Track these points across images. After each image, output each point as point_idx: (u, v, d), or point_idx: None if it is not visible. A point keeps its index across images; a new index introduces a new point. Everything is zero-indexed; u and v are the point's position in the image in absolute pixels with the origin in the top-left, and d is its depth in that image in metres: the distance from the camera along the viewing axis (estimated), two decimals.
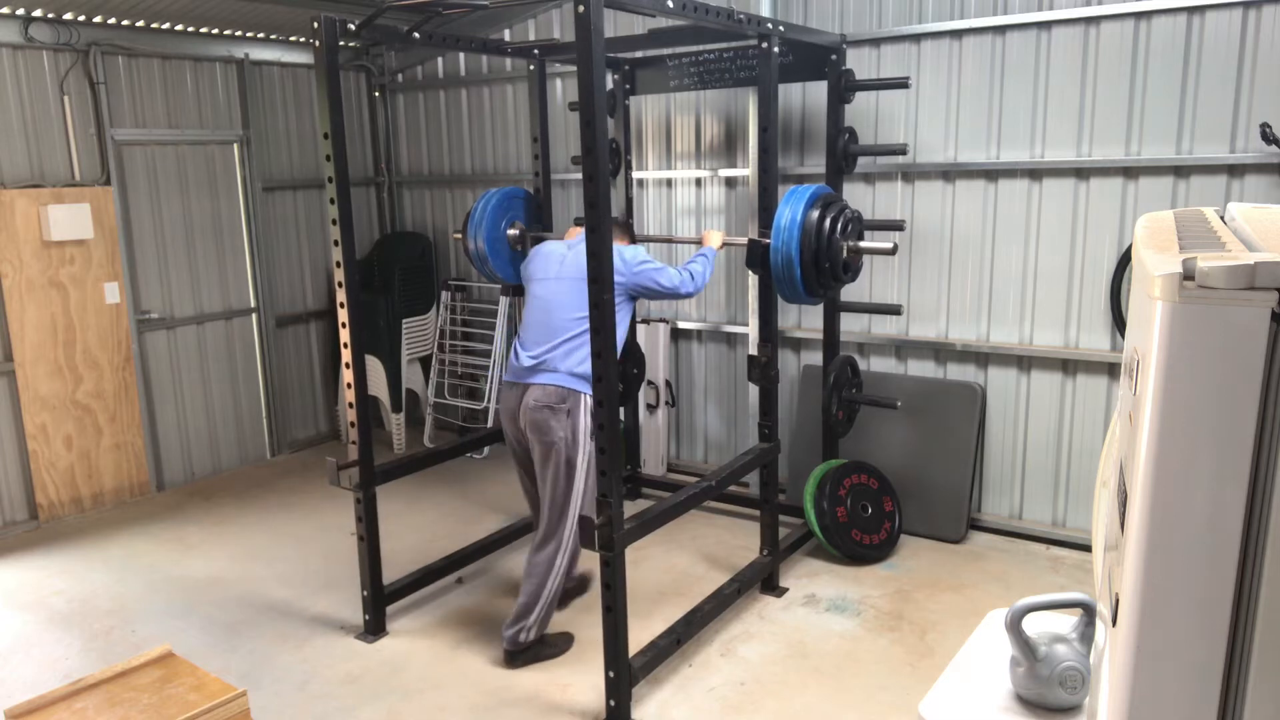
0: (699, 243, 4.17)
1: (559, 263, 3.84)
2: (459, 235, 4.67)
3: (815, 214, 3.77)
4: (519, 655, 3.78)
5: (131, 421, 5.76)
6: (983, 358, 4.88)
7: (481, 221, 4.56)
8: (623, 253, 3.70)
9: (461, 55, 6.62)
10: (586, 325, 3.38)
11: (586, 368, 3.53)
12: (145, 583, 4.66)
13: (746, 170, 5.34)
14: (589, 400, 3.60)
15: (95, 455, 5.62)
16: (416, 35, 3.88)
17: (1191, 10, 4.10)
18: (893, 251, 3.89)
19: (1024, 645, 1.94)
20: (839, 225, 3.81)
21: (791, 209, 3.78)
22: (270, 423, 6.61)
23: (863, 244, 3.92)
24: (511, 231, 4.64)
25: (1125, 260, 4.40)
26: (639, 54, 5.30)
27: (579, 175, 5.69)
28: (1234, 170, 4.13)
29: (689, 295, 3.84)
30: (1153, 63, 4.22)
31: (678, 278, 3.77)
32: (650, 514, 3.57)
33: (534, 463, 3.76)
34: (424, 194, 7.05)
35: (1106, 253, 4.46)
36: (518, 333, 3.90)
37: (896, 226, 4.59)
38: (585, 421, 3.62)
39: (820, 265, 3.79)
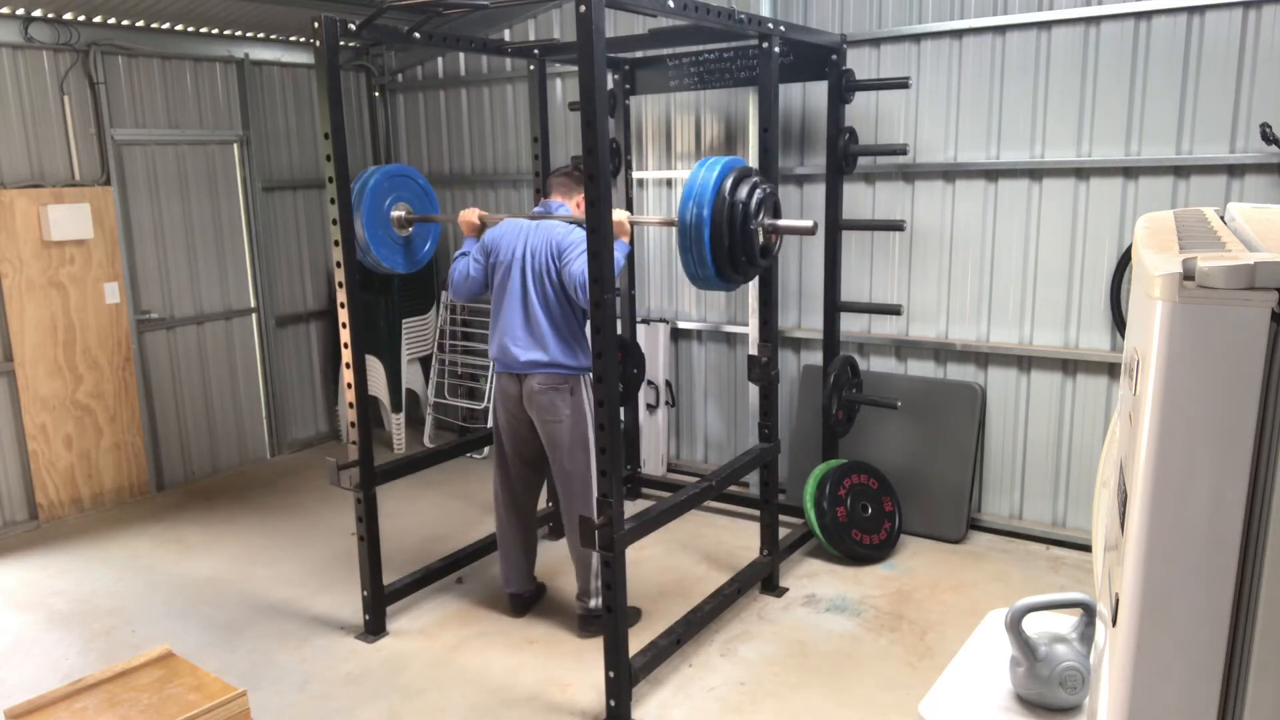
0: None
1: (524, 248, 3.81)
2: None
3: (729, 184, 3.38)
4: (594, 621, 3.86)
5: (131, 421, 5.76)
6: (983, 358, 4.87)
7: (359, 204, 3.98)
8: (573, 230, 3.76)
9: (461, 55, 6.62)
10: (563, 317, 3.74)
11: (576, 353, 3.76)
12: (145, 583, 4.66)
13: None
14: (588, 379, 3.76)
15: (95, 455, 5.62)
16: (416, 35, 3.88)
17: (1191, 10, 4.10)
18: (812, 231, 3.49)
19: (1024, 645, 1.94)
20: (753, 201, 3.40)
21: (705, 173, 3.37)
22: (270, 423, 6.61)
23: (780, 222, 3.55)
24: (396, 213, 4.17)
25: (1125, 260, 4.40)
26: (639, 54, 5.30)
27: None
28: (1234, 170, 4.12)
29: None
30: (1153, 63, 4.22)
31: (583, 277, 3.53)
32: (650, 514, 3.57)
33: (542, 446, 3.91)
34: None
35: (1106, 253, 4.46)
36: (497, 319, 3.88)
37: (897, 227, 4.59)
38: (588, 397, 3.75)
39: (734, 240, 3.38)
